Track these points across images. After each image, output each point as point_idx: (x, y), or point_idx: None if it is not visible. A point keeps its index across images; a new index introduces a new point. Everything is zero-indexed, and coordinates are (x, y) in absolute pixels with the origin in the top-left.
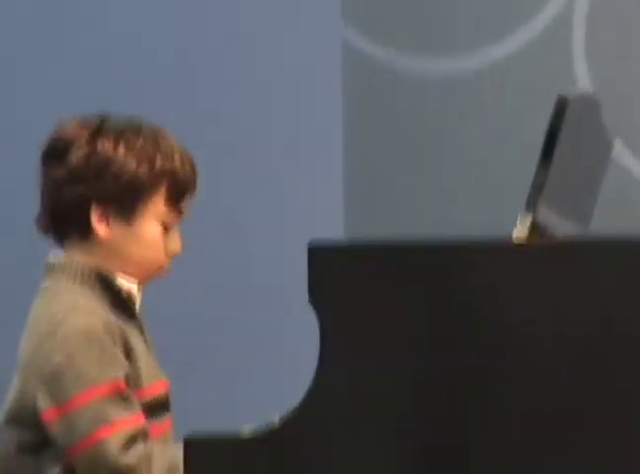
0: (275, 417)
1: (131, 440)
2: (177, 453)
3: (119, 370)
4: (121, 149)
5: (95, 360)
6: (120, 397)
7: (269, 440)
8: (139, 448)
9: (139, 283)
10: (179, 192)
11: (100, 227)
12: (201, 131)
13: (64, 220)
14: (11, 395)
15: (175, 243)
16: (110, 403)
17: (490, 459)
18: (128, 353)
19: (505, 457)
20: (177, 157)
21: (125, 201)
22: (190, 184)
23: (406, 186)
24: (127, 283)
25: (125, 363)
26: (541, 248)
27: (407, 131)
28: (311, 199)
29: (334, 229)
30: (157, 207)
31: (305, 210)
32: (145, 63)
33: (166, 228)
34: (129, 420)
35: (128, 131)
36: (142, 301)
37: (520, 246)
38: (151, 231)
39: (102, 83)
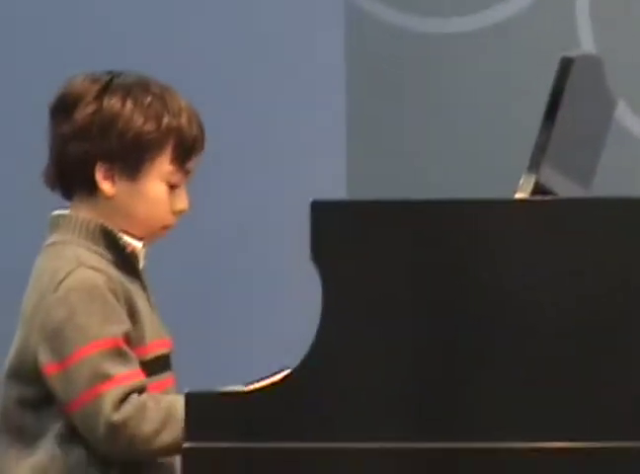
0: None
1: (127, 396)
2: (173, 401)
3: (119, 327)
4: (129, 106)
5: (96, 316)
6: (120, 353)
7: (269, 395)
8: (133, 401)
9: (143, 242)
10: (185, 151)
11: (105, 184)
12: (204, 86)
13: (70, 176)
14: (13, 350)
15: (181, 202)
16: (109, 359)
17: (489, 420)
18: (131, 310)
19: (504, 419)
20: (184, 116)
21: (131, 159)
22: (197, 143)
23: (410, 144)
24: (132, 241)
25: (127, 320)
26: (542, 204)
27: (410, 88)
28: (314, 159)
29: (336, 191)
30: (163, 166)
31: (308, 168)
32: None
33: (172, 187)
34: (128, 375)
35: (137, 88)
36: (146, 260)
37: (521, 202)
38: (156, 190)
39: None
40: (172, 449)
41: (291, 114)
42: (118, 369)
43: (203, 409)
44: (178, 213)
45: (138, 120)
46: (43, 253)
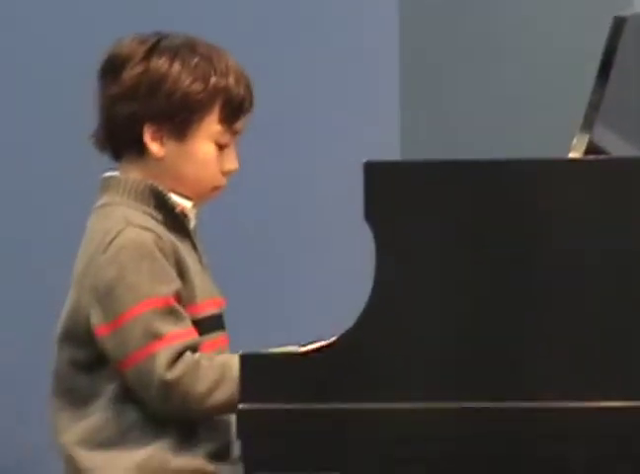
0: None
1: (180, 354)
2: (227, 360)
3: (170, 285)
4: (176, 66)
5: (146, 275)
6: (171, 312)
7: (324, 357)
8: (186, 359)
9: (194, 203)
10: (233, 111)
11: (153, 145)
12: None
13: (119, 137)
14: (64, 313)
15: (231, 162)
16: (160, 317)
17: (543, 380)
18: (181, 269)
19: (559, 378)
20: (232, 75)
21: (179, 120)
22: (245, 103)
23: (464, 104)
24: (181, 201)
25: (177, 279)
26: (595, 163)
27: (465, 44)
28: (367, 120)
29: (390, 153)
30: (211, 126)
31: (361, 129)
32: None
33: (221, 147)
34: (180, 334)
35: (184, 49)
36: (197, 221)
37: (574, 161)
38: (205, 150)
39: None
40: (225, 408)
41: (344, 75)
42: (169, 328)
43: (258, 370)
44: (227, 174)
45: (186, 81)
46: (93, 215)
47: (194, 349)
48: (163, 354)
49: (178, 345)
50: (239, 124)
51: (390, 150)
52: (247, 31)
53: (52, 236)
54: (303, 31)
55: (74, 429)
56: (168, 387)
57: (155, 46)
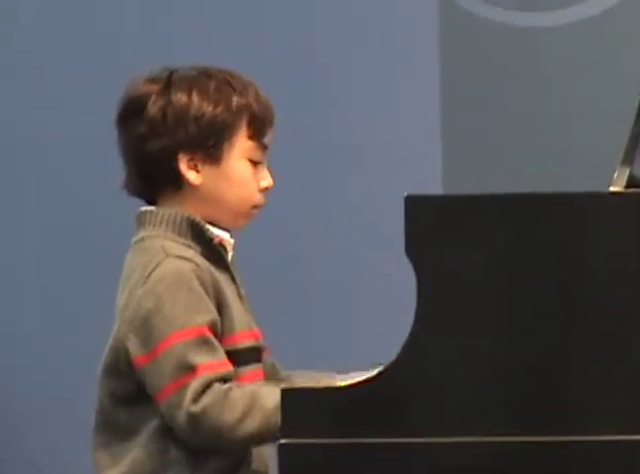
0: (371, 369)
1: (208, 386)
2: (257, 390)
3: (205, 316)
4: (195, 95)
5: (182, 305)
6: (205, 342)
7: (364, 391)
8: (214, 389)
9: (233, 229)
10: (259, 125)
11: (190, 174)
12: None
13: (153, 176)
14: (107, 347)
15: (266, 179)
16: (193, 348)
17: (585, 413)
18: (220, 300)
19: (599, 411)
20: (251, 92)
21: (210, 144)
22: (268, 115)
23: (505, 138)
24: (219, 233)
25: (214, 310)
26: (637, 197)
27: (505, 84)
28: (409, 154)
29: (432, 186)
30: (242, 144)
31: (403, 163)
32: None
33: (255, 164)
34: (212, 365)
35: (199, 78)
36: (234, 252)
37: (615, 195)
38: (241, 168)
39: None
40: (258, 438)
41: (387, 110)
42: (202, 359)
43: (299, 405)
44: (264, 190)
45: (208, 107)
46: (132, 250)
47: (226, 379)
48: (192, 386)
49: (208, 376)
50: (267, 139)
51: (432, 184)
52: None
53: (93, 272)
54: (351, 67)
55: (116, 465)
56: (194, 419)
57: (169, 80)
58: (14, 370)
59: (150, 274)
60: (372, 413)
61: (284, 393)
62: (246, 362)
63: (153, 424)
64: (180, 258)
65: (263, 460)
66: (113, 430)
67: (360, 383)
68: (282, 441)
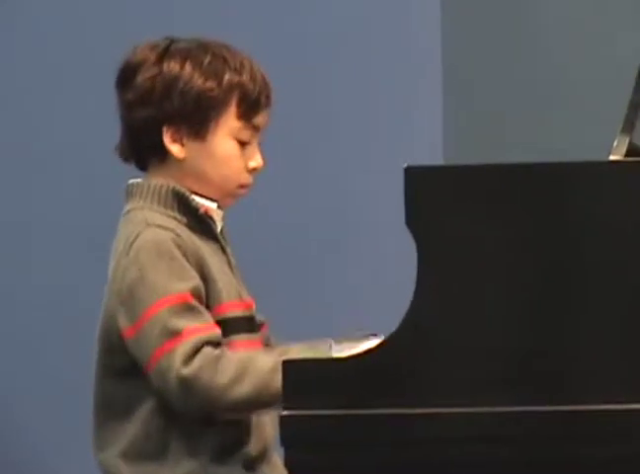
0: (369, 340)
1: (198, 349)
2: (251, 356)
3: (187, 282)
4: (188, 67)
5: (164, 273)
6: (188, 308)
7: (366, 362)
8: (205, 353)
9: (220, 204)
10: (250, 106)
11: (173, 147)
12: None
13: (140, 144)
14: (99, 320)
15: (254, 159)
16: (177, 314)
17: (591, 382)
18: (202, 269)
19: (603, 380)
20: (246, 71)
21: (196, 119)
22: (261, 97)
23: (505, 105)
24: (205, 202)
25: (196, 276)
26: (636, 166)
27: (509, 43)
28: (410, 124)
29: (433, 157)
30: (230, 123)
31: (404, 132)
32: None
33: (242, 144)
34: (197, 328)
35: (195, 50)
36: (224, 222)
37: (615, 163)
38: (226, 147)
39: None
40: (251, 403)
41: (386, 77)
42: (186, 323)
43: (300, 376)
44: (252, 171)
45: (199, 80)
46: (120, 222)
47: (215, 343)
48: (180, 349)
49: (195, 339)
50: (258, 120)
51: (433, 154)
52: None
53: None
54: (347, 30)
55: (115, 442)
56: (186, 382)
57: (167, 50)
58: (14, 369)
59: (132, 244)
60: (374, 384)
61: (285, 365)
62: (237, 331)
63: (150, 401)
64: (159, 227)
65: (263, 437)
66: (111, 407)
67: (361, 354)
68: (284, 413)
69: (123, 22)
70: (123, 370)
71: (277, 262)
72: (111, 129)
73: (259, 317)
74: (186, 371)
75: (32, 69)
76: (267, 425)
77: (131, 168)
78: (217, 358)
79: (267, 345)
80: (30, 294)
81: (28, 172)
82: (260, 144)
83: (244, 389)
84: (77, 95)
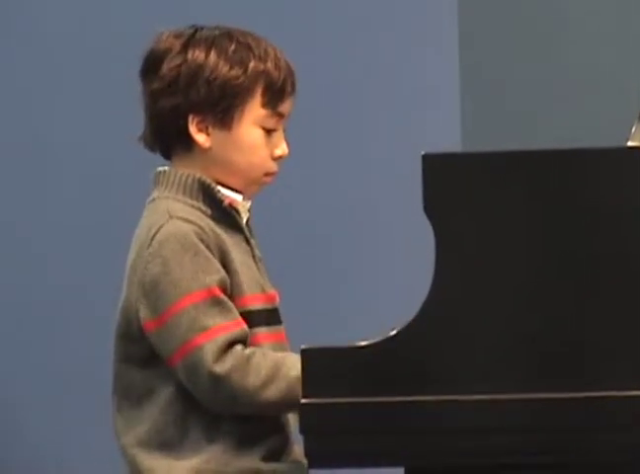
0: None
1: (228, 346)
2: (282, 357)
3: (213, 275)
4: (213, 55)
5: (189, 268)
6: (216, 303)
7: (386, 349)
8: (236, 352)
9: (246, 195)
10: (275, 93)
11: (199, 136)
12: None
13: (165, 133)
14: (118, 309)
15: (280, 147)
16: (205, 310)
17: (611, 369)
18: (225, 261)
19: (622, 367)
20: (271, 59)
21: (221, 108)
22: (286, 85)
23: (524, 94)
24: (230, 194)
25: (221, 269)
26: None
27: (524, 30)
28: (427, 112)
29: (451, 144)
30: (255, 111)
31: (421, 120)
32: None
33: (268, 132)
34: (226, 325)
35: (220, 38)
36: (250, 213)
37: (633, 149)
38: (252, 135)
39: None
40: (278, 406)
41: (403, 65)
42: (215, 320)
43: (320, 364)
44: (278, 159)
45: (224, 68)
46: (145, 210)
47: (243, 341)
48: (209, 346)
49: (224, 336)
50: (284, 107)
51: (451, 142)
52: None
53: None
54: (365, 27)
55: (133, 430)
56: (218, 380)
57: (191, 38)
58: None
59: (154, 236)
60: (393, 371)
61: (305, 352)
62: (258, 324)
63: (169, 388)
64: (182, 219)
65: (280, 422)
66: (129, 394)
67: (380, 342)
68: (303, 401)
69: (124, 20)
70: (142, 359)
71: (290, 257)
72: (120, 127)
73: None
74: (218, 369)
75: (32, 69)
76: (290, 418)
77: (139, 166)
78: (248, 359)
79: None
80: (30, 294)
81: (28, 169)
82: (285, 131)
83: (272, 394)
84: (78, 92)
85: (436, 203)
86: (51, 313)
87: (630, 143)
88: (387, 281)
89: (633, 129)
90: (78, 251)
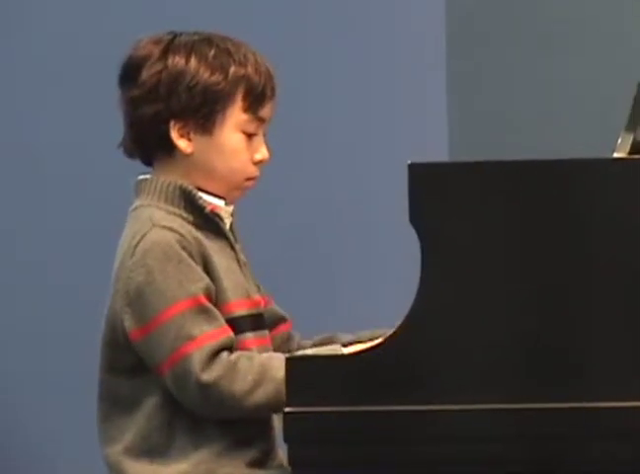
0: (375, 335)
1: (215, 354)
2: (267, 360)
3: (198, 284)
4: (193, 61)
5: (174, 277)
6: (202, 311)
7: (370, 359)
8: (222, 359)
9: (228, 200)
10: (256, 98)
11: (181, 142)
12: None
13: (146, 140)
14: (104, 317)
15: (260, 151)
16: (192, 318)
17: (597, 379)
18: (207, 268)
19: (611, 376)
20: (251, 64)
21: (203, 113)
22: (266, 89)
23: (510, 105)
24: (212, 200)
25: (205, 276)
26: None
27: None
28: (415, 121)
29: (438, 153)
30: (236, 116)
31: (409, 130)
32: None
33: (249, 136)
34: (212, 334)
35: (199, 44)
36: (233, 219)
37: (618, 160)
38: (233, 140)
39: None
40: (266, 409)
41: (390, 73)
42: (202, 328)
43: (304, 373)
44: (258, 163)
45: (205, 74)
46: (128, 219)
47: (229, 348)
48: (196, 355)
49: (211, 345)
50: (264, 112)
51: (438, 151)
52: (291, 28)
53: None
54: (351, 27)
55: (119, 438)
56: (206, 388)
57: (170, 44)
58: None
59: (137, 244)
60: (377, 381)
61: (289, 361)
62: (244, 330)
63: (156, 396)
64: (165, 228)
65: (266, 428)
66: (115, 402)
67: (364, 351)
68: (287, 410)
69: (121, 21)
70: (127, 367)
71: (283, 261)
72: (113, 129)
73: (281, 313)
74: (206, 377)
75: (31, 69)
76: (274, 423)
77: (132, 167)
78: (234, 364)
79: (289, 340)
80: (29, 294)
81: (15, 174)
82: (265, 136)
83: (260, 397)
84: (75, 94)
85: (421, 213)
86: (51, 313)
87: (616, 155)
88: (377, 286)
89: (619, 140)
90: (78, 251)
